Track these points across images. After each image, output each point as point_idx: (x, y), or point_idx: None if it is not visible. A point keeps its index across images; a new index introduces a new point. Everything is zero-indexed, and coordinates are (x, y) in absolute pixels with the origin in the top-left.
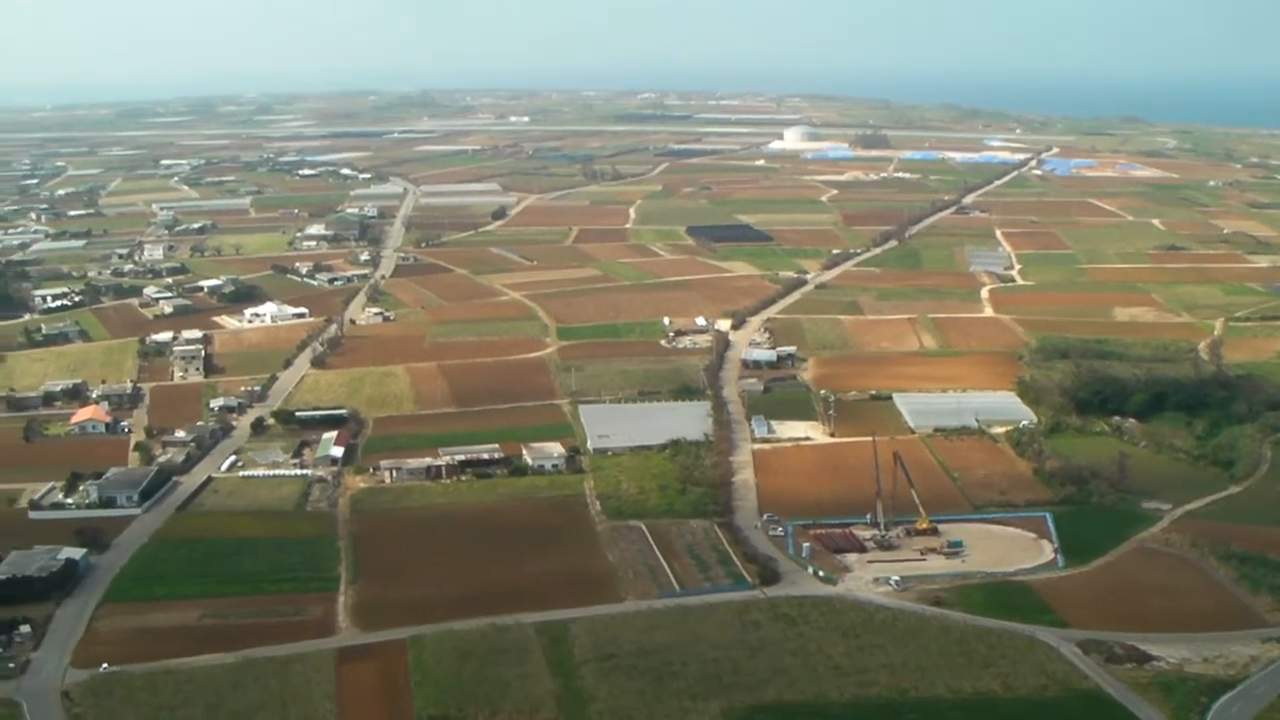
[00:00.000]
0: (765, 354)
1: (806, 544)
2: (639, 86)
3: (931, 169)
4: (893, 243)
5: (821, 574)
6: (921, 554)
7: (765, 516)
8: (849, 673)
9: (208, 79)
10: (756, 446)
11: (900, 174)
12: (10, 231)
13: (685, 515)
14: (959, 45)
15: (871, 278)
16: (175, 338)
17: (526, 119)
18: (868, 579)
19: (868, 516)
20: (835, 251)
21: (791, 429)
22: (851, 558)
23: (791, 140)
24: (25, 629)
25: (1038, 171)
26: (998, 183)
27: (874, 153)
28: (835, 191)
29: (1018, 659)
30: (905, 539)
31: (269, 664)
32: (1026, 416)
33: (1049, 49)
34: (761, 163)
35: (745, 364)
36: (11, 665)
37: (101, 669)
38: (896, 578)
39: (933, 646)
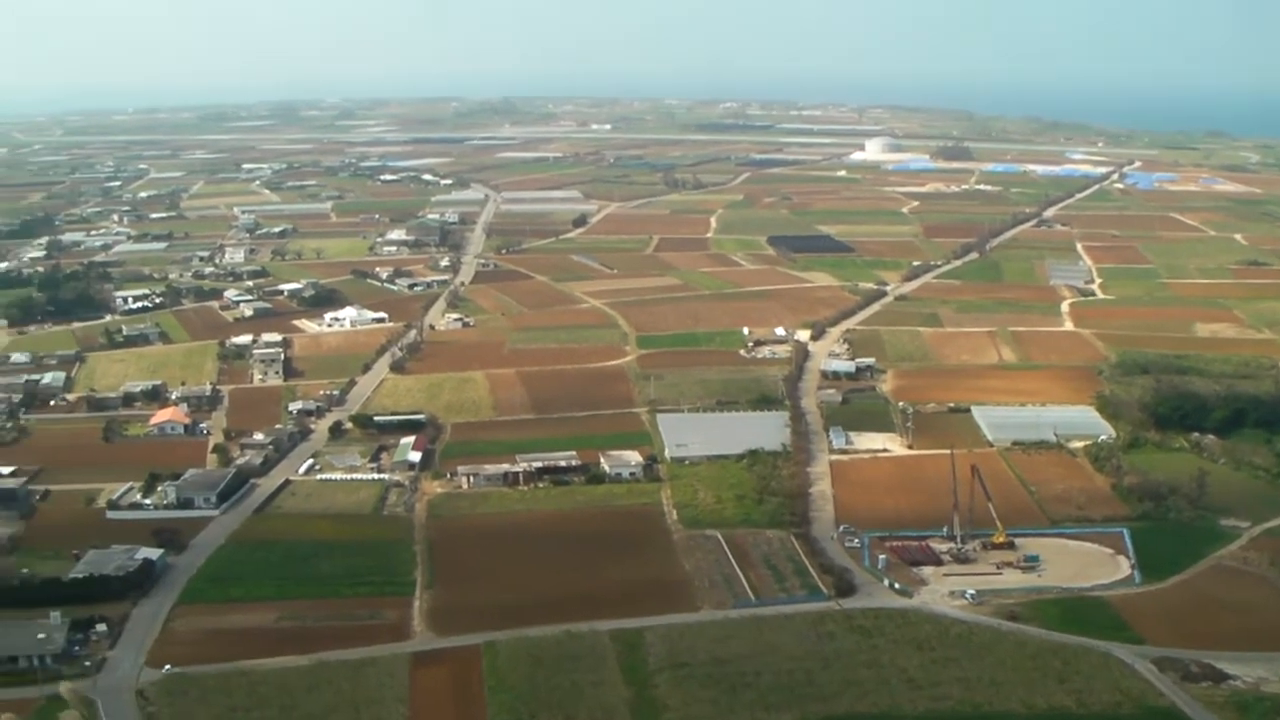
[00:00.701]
0: (844, 365)
1: (882, 556)
2: (721, 96)
3: (1013, 181)
4: (973, 255)
5: (897, 586)
6: (997, 568)
7: (841, 528)
8: (923, 686)
9: (290, 83)
10: (834, 458)
11: (981, 186)
12: (93, 233)
13: (762, 525)
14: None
15: (951, 290)
16: (255, 341)
17: (608, 127)
18: (943, 592)
19: (944, 529)
20: (915, 263)
21: (869, 440)
22: (927, 570)
23: (873, 151)
24: (102, 628)
25: (1120, 185)
26: (1079, 196)
27: (955, 164)
28: (916, 203)
29: (1092, 675)
30: (981, 553)
31: (343, 667)
32: (1105, 431)
33: (1134, 62)
34: (843, 173)
35: (824, 375)
36: (87, 663)
37: (164, 670)
38: (972, 591)
39: (1007, 661)
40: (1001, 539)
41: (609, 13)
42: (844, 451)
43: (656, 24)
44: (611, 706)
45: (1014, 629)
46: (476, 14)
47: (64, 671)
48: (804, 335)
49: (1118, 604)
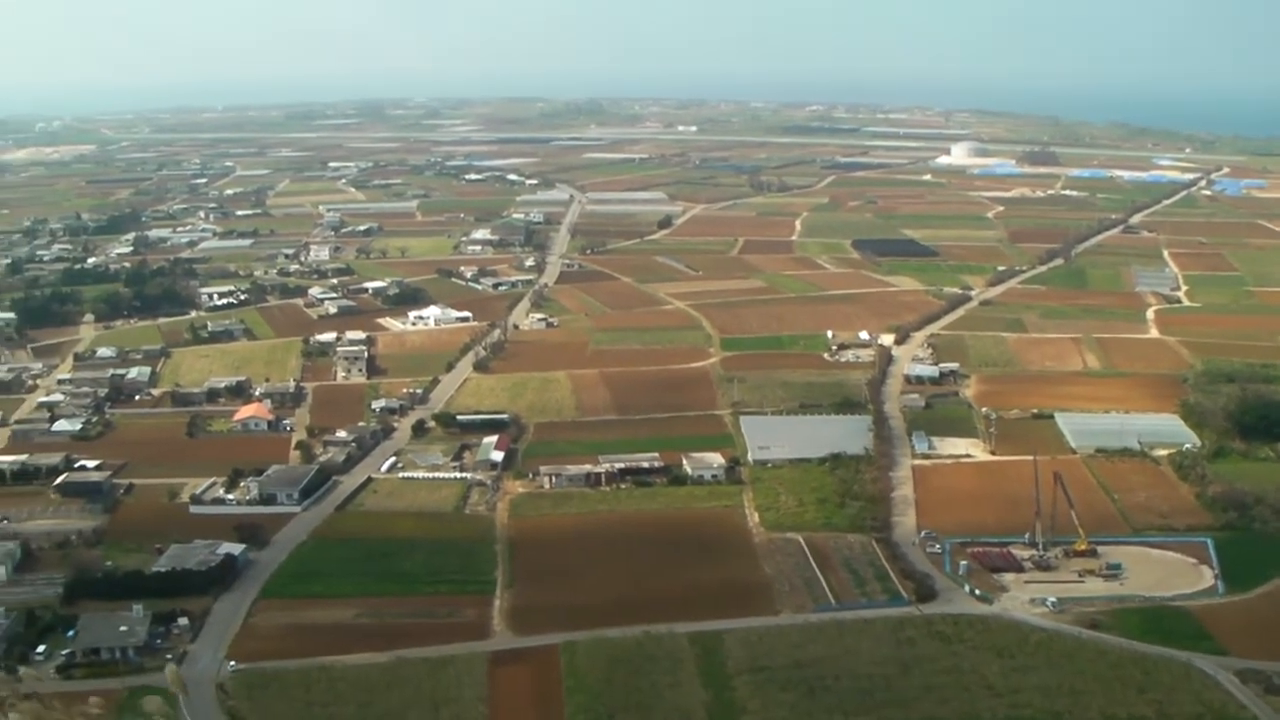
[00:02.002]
0: (928, 369)
1: (964, 562)
2: (807, 99)
3: (1099, 187)
4: (1058, 261)
5: (978, 593)
6: (1079, 575)
7: (923, 533)
8: (1002, 693)
9: (377, 82)
10: (916, 462)
11: (1067, 191)
12: (179, 230)
13: (843, 529)
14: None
15: (1036, 295)
16: (339, 338)
17: (694, 129)
18: (1024, 599)
19: (1026, 536)
20: (1000, 268)
21: (952, 446)
22: (1009, 577)
23: (958, 155)
24: (183, 621)
25: (1207, 191)
26: (1166, 202)
27: (1041, 169)
28: (1001, 208)
29: (1174, 686)
30: (1063, 560)
31: (422, 665)
32: (1189, 440)
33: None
34: (928, 177)
35: (907, 379)
36: (169, 656)
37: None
38: (1053, 599)
39: (1087, 670)
40: (1084, 546)
41: (698, 15)
42: (926, 456)
43: (744, 26)
44: (689, 709)
45: (1095, 637)
46: (563, 15)
47: (145, 664)
48: (888, 339)
49: (1200, 614)
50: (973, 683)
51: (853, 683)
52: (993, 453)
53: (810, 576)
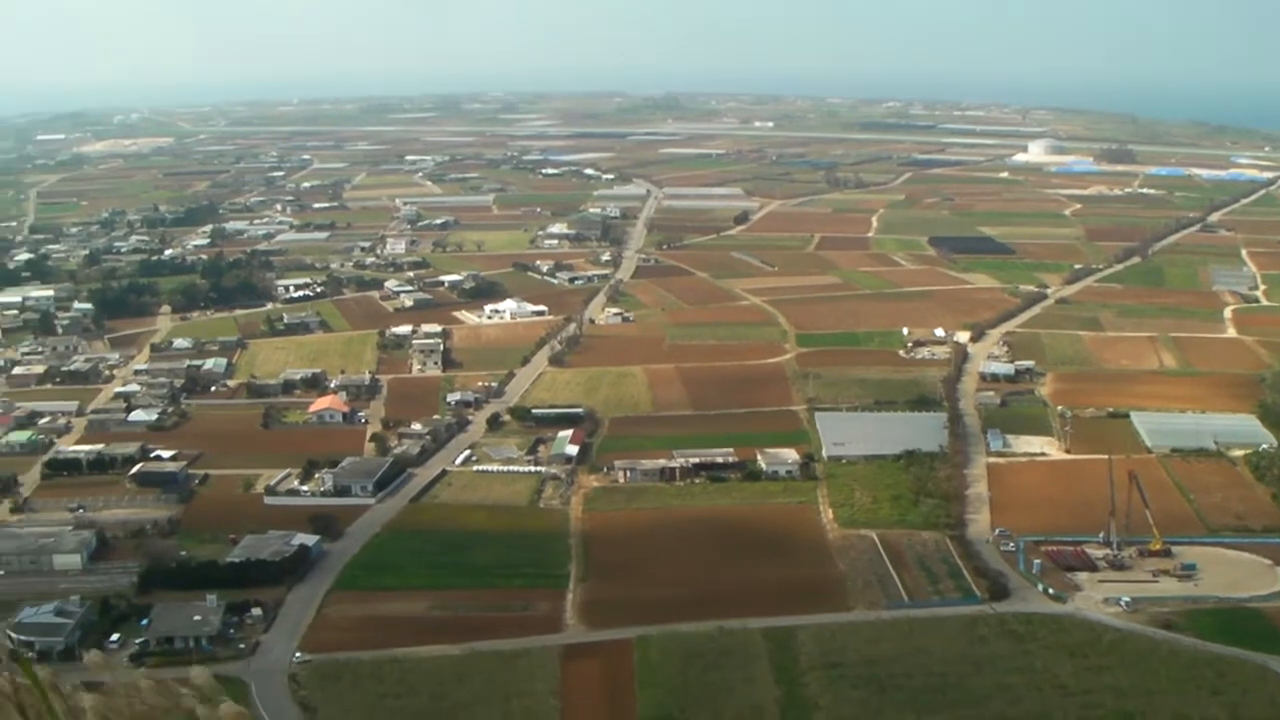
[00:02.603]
0: (1003, 367)
1: (1037, 560)
2: (884, 95)
3: (1177, 185)
4: (1135, 259)
5: (1051, 591)
6: (1153, 575)
7: (997, 531)
8: (1075, 693)
9: (454, 76)
10: (991, 460)
11: (1145, 190)
12: (256, 222)
13: (917, 526)
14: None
15: (1112, 294)
16: (414, 331)
17: (771, 124)
18: (1098, 598)
19: (1100, 535)
20: (1077, 266)
21: (1027, 444)
22: (1082, 576)
23: (1035, 153)
24: (256, 611)
25: None
26: (1245, 201)
27: (1119, 167)
28: (1078, 206)
29: (1247, 688)
30: (1137, 560)
31: (494, 657)
32: (1267, 440)
33: None
34: (1005, 175)
35: (983, 377)
36: (242, 646)
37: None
38: (1127, 598)
39: (1161, 670)
40: (1158, 546)
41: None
42: (1001, 454)
43: (821, 23)
44: (761, 704)
45: (1168, 638)
46: (640, 10)
47: (219, 653)
48: (963, 337)
49: (1276, 616)
50: (1045, 682)
51: (924, 680)
52: (1068, 451)
53: (883, 573)
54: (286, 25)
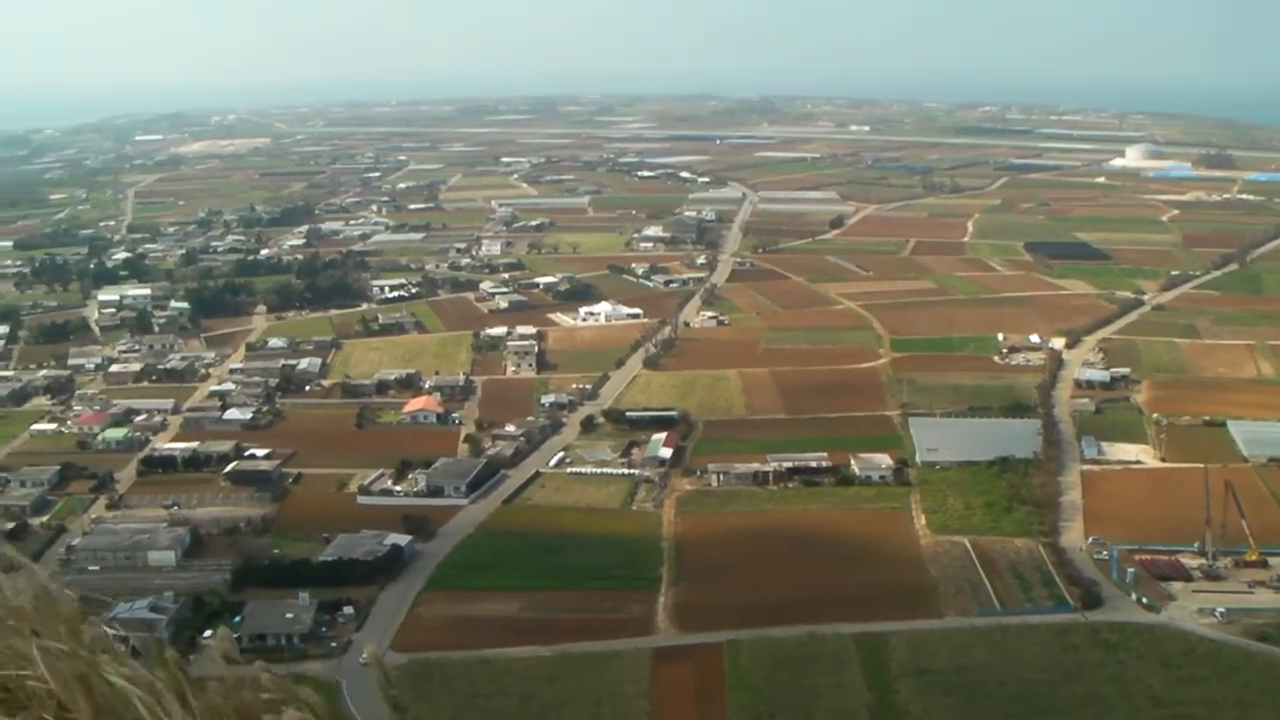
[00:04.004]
0: (1098, 374)
1: (1131, 569)
2: (980, 99)
3: (1277, 192)
4: (1233, 266)
5: (1145, 601)
6: (1249, 586)
7: (1091, 539)
8: (1167, 704)
9: (551, 78)
10: (1085, 468)
11: (1244, 195)
12: (351, 223)
13: (1010, 534)
14: None
15: (1210, 301)
16: (509, 333)
17: (867, 128)
18: (1192, 609)
19: (1195, 545)
20: (1174, 273)
21: (1122, 451)
22: (1176, 586)
23: (1133, 158)
24: (349, 610)
25: None
26: None
27: (1218, 173)
28: (1176, 211)
29: None
30: (1233, 570)
31: (585, 659)
32: None
33: None
34: (1101, 180)
35: (1078, 383)
36: (334, 645)
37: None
38: (1222, 609)
39: (1255, 683)
40: (1254, 557)
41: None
42: (1096, 462)
43: (916, 26)
44: (852, 710)
45: (1263, 650)
46: (738, 13)
47: (310, 651)
48: (1058, 343)
49: None
50: (1137, 692)
51: (1016, 688)
52: (1163, 459)
53: (975, 580)
54: (385, 29)
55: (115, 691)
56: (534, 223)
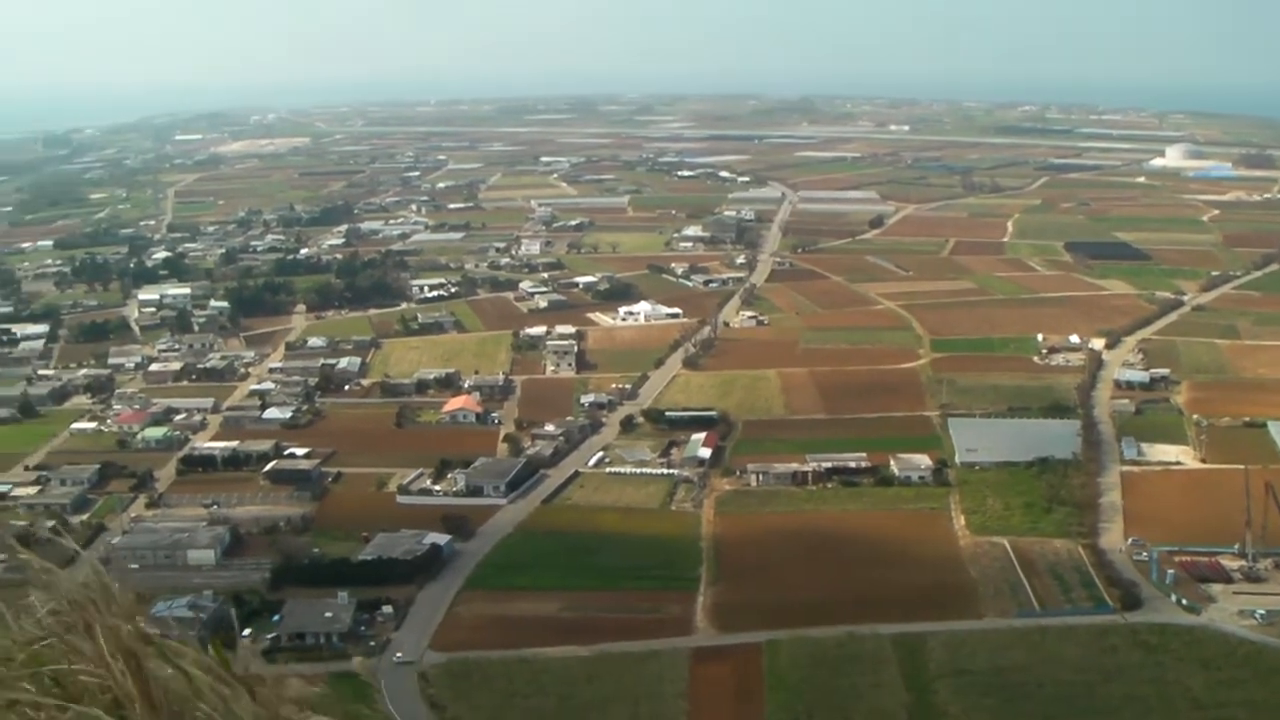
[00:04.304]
0: (1138, 375)
1: (1171, 571)
2: (1020, 99)
3: None
4: (1274, 266)
5: (1185, 603)
6: None
7: (1130, 540)
8: (1207, 706)
9: (590, 77)
10: (1125, 469)
11: None
12: (391, 222)
13: (1049, 535)
14: None
15: (1251, 301)
16: (548, 332)
17: (906, 128)
18: (1232, 611)
19: (1235, 547)
20: (1214, 273)
21: (1162, 453)
22: (1216, 588)
23: (1173, 158)
24: (388, 609)
25: None
26: None
27: (1258, 173)
28: (1216, 211)
29: None
30: (1273, 572)
31: (624, 659)
32: None
33: None
34: (1141, 180)
35: (1117, 384)
36: (372, 644)
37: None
38: (1262, 611)
39: None
40: None
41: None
42: (1135, 463)
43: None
44: (890, 711)
45: None
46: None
47: (349, 650)
48: (1098, 343)
49: None
50: (1176, 694)
51: (1055, 689)
52: (1203, 461)
53: (1015, 581)
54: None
55: (176, 683)
56: (573, 222)
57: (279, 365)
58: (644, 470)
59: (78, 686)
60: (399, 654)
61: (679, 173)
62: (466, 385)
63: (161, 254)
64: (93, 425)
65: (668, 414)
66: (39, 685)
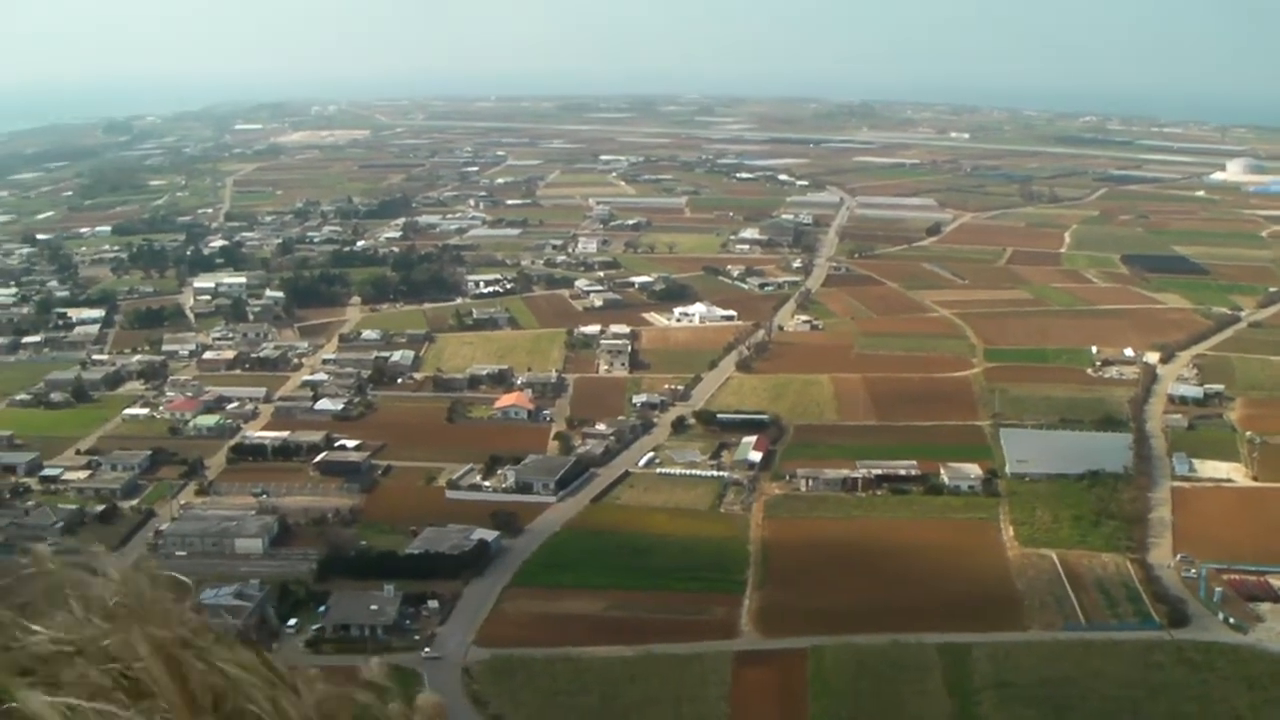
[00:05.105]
0: (1192, 390)
1: (1219, 589)
2: (1081, 109)
3: None
4: None
5: (1232, 621)
6: None
7: (1179, 557)
8: None
9: (650, 77)
10: (1176, 484)
11: None
12: (448, 216)
13: (1098, 548)
14: None
15: None
16: (603, 331)
17: (966, 135)
18: (1279, 630)
19: None
20: (1272, 289)
21: (1213, 469)
22: (1265, 607)
23: (1234, 172)
24: (433, 604)
25: None
26: None
27: None
28: (1276, 227)
29: None
30: None
31: (668, 660)
32: None
33: None
34: (1201, 193)
35: (1171, 399)
36: (417, 638)
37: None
38: None
39: None
40: None
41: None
42: (1186, 479)
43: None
44: None
45: None
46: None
47: (393, 643)
48: (1152, 357)
49: None
50: (1221, 713)
51: (1098, 704)
52: (1255, 478)
53: (1061, 594)
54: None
55: (226, 681)
56: (631, 222)
57: (332, 357)
58: (694, 472)
59: (135, 683)
60: (427, 649)
61: (737, 175)
62: (519, 382)
63: (218, 242)
64: (145, 411)
65: (719, 416)
66: (99, 683)
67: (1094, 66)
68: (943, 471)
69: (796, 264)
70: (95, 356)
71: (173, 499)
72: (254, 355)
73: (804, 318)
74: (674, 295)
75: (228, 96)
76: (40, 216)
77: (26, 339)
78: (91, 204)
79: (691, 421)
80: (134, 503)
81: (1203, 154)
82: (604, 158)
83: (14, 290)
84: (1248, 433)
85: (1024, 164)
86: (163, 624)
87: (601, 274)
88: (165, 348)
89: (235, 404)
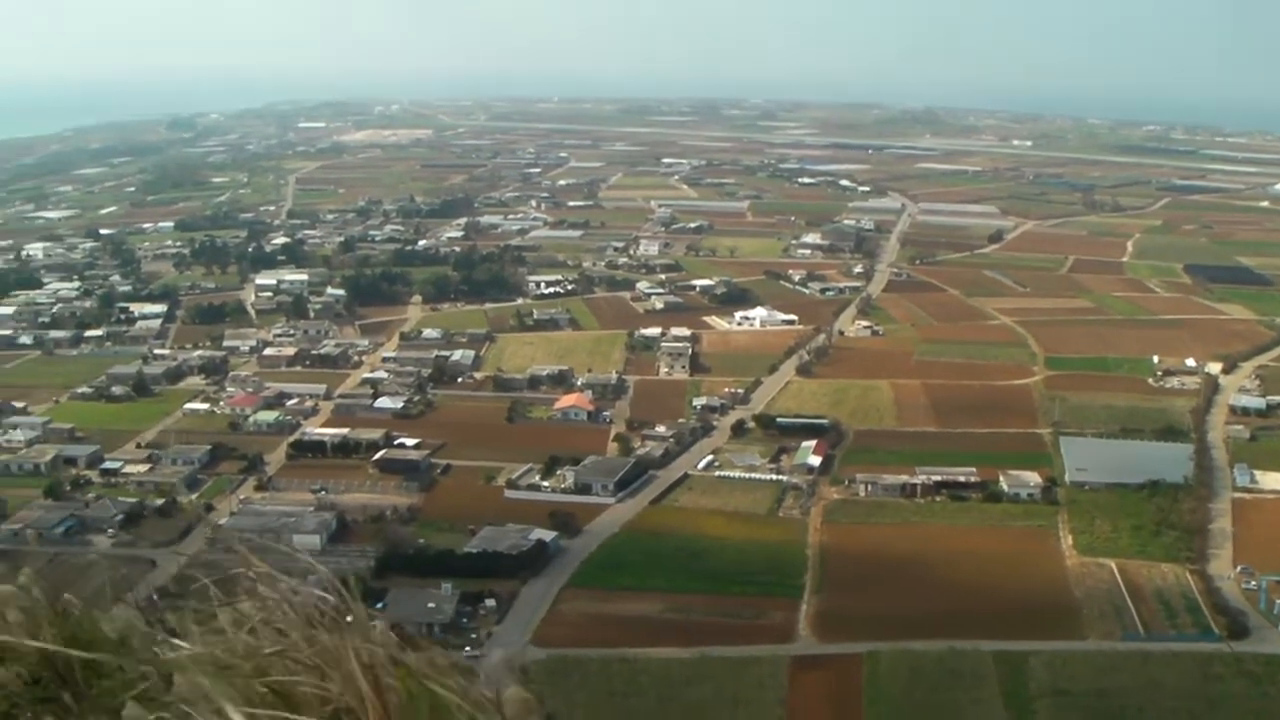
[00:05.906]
0: (1254, 401)
1: (1279, 601)
2: (1144, 118)
3: None
4: None
5: None
6: None
7: (1239, 568)
8: None
9: (713, 81)
10: (1236, 495)
11: None
12: (510, 217)
13: (1157, 558)
14: None
15: None
16: (663, 334)
17: (1029, 143)
18: None
19: None
20: None
21: (1275, 480)
22: None
23: None
24: (490, 603)
25: None
26: None
27: None
28: None
29: None
30: None
31: (724, 663)
32: None
33: None
34: (1265, 204)
35: (1233, 410)
36: (474, 636)
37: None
38: None
39: None
40: None
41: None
42: (1248, 490)
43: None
44: None
45: None
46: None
47: (450, 641)
48: (1215, 368)
49: None
50: None
51: (1155, 715)
52: None
53: (1120, 604)
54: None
55: (435, 700)
56: (692, 225)
57: (392, 355)
58: (753, 475)
59: (297, 697)
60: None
61: (799, 180)
62: (579, 383)
63: (280, 239)
64: (205, 406)
65: (779, 420)
66: (262, 696)
67: (1158, 76)
68: (1002, 479)
69: (857, 269)
70: (157, 351)
71: (232, 494)
72: (314, 352)
73: (865, 323)
74: (735, 299)
75: (288, 93)
76: (104, 211)
77: (89, 333)
78: (154, 199)
79: (751, 425)
80: (193, 497)
81: (1268, 164)
82: (666, 161)
83: (77, 284)
84: None
85: (1087, 172)
86: (367, 637)
87: (663, 277)
88: (226, 343)
89: (295, 400)
